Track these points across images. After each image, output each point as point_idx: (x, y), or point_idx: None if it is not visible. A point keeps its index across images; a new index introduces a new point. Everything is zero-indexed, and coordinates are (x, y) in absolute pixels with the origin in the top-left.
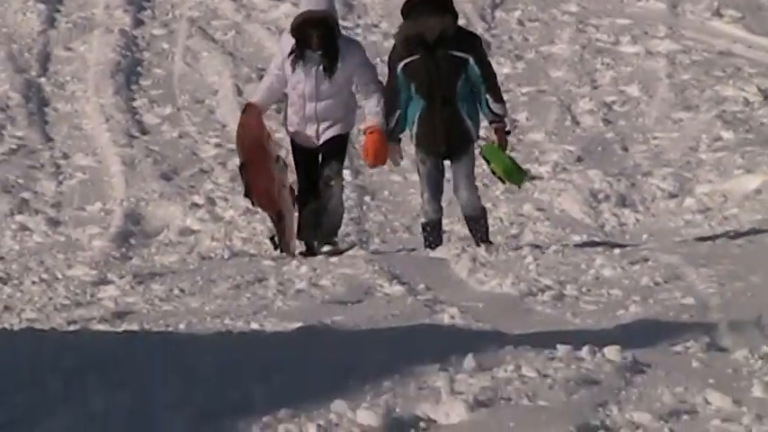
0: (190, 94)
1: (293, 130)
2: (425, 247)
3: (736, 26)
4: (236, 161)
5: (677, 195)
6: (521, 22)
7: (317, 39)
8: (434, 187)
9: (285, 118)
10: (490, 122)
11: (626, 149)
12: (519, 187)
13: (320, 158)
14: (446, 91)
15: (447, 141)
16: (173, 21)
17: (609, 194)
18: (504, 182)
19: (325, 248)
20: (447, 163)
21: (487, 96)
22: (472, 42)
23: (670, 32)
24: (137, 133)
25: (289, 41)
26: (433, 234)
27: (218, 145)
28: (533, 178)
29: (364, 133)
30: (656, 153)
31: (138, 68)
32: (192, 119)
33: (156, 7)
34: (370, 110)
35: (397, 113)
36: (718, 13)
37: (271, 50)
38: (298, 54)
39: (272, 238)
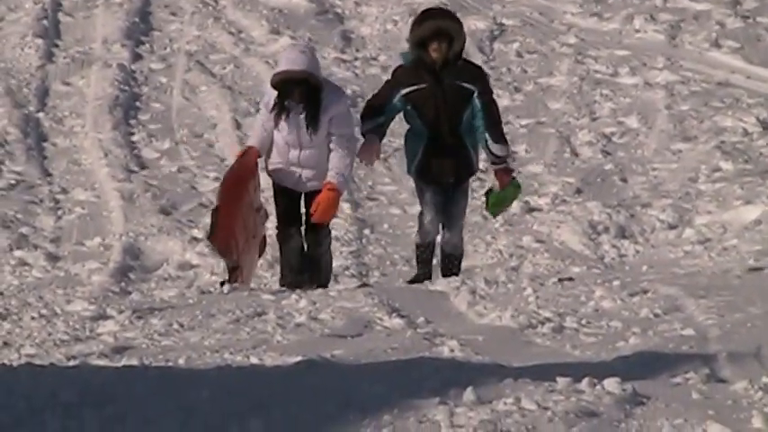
0: (188, 129)
1: (276, 171)
2: (417, 264)
3: (735, 57)
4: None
5: (676, 226)
6: (519, 54)
7: (299, 94)
8: (438, 211)
9: (268, 157)
10: (491, 163)
11: (625, 181)
12: (492, 214)
13: (305, 202)
14: (452, 123)
15: (453, 174)
16: (171, 55)
17: (608, 226)
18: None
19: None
20: None
21: (488, 137)
22: (478, 75)
23: (668, 63)
24: (135, 168)
25: (271, 93)
26: (428, 254)
27: (216, 179)
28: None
29: (322, 187)
30: (655, 184)
31: (137, 103)
32: (190, 153)
33: (154, 41)
34: (337, 168)
35: (381, 119)
36: (716, 44)
37: (269, 84)
38: (280, 107)
39: (221, 283)
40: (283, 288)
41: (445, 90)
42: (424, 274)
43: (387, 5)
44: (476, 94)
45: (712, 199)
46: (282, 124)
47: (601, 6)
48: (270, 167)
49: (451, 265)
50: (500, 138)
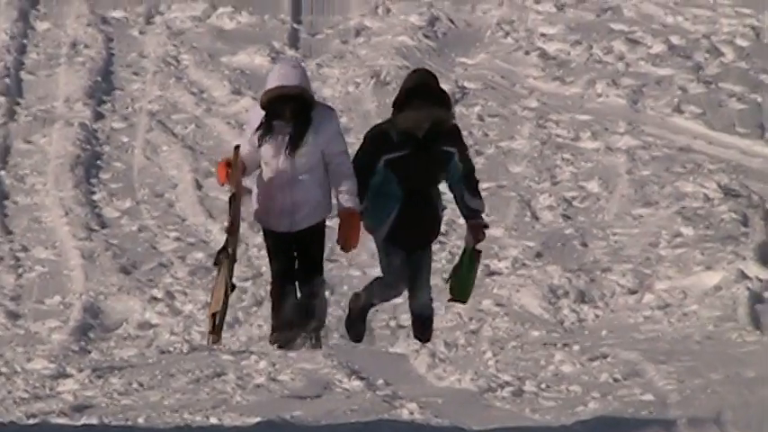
0: (149, 188)
1: (264, 213)
2: (354, 320)
3: (697, 122)
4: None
5: (637, 291)
6: (481, 118)
7: (290, 111)
8: (402, 278)
9: (256, 200)
10: (466, 218)
11: (585, 245)
12: (459, 300)
13: (297, 250)
14: (427, 187)
15: (423, 237)
16: (133, 114)
17: (568, 290)
18: (451, 290)
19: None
20: None
21: (465, 192)
22: (456, 135)
23: (630, 128)
24: (96, 227)
25: (258, 114)
26: (363, 314)
27: (177, 239)
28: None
29: (339, 215)
30: (616, 249)
31: (98, 162)
32: (151, 212)
33: (115, 101)
34: (349, 190)
35: (370, 202)
36: (678, 110)
37: (231, 144)
38: (266, 128)
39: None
40: (243, 350)
41: (429, 156)
42: (361, 328)
43: (348, 68)
44: (456, 156)
45: (673, 264)
46: (269, 150)
47: (563, 71)
48: (258, 214)
49: (426, 326)
50: (477, 193)
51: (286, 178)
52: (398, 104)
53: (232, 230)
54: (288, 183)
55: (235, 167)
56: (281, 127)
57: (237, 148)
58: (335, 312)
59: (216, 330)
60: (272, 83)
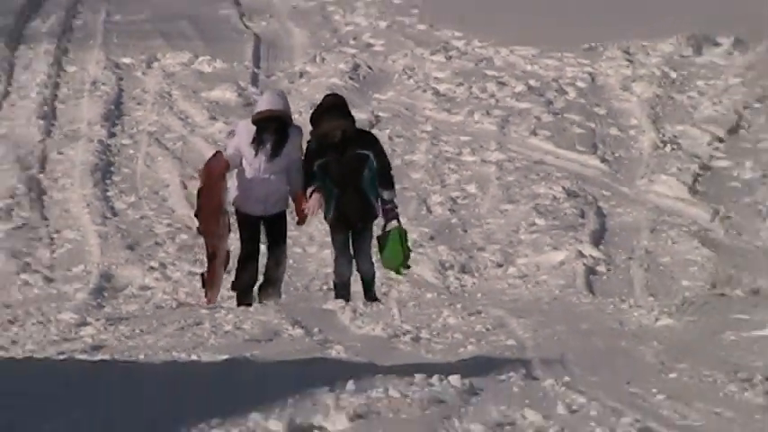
0: (148, 187)
1: (243, 201)
2: (336, 298)
3: (548, 142)
4: (191, 211)
5: (503, 265)
6: (390, 138)
7: (273, 128)
8: (347, 255)
9: (237, 189)
10: (381, 205)
11: (466, 231)
12: (397, 272)
13: (266, 229)
14: (354, 181)
15: (359, 220)
16: (136, 134)
17: (453, 264)
18: (384, 262)
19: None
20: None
21: (379, 185)
22: (371, 141)
23: (499, 146)
24: (109, 215)
25: (246, 128)
26: (344, 290)
27: (168, 224)
28: (400, 273)
29: (292, 198)
30: (488, 234)
31: (111, 168)
32: (149, 205)
33: (124, 124)
34: (298, 184)
35: (313, 187)
36: (534, 133)
37: (208, 155)
38: (256, 140)
39: (201, 275)
40: (215, 306)
41: (346, 159)
42: (343, 298)
43: (294, 101)
44: (372, 156)
45: (529, 246)
46: (255, 154)
47: (450, 104)
48: (238, 201)
49: (368, 289)
50: (388, 185)
51: (262, 176)
52: (313, 119)
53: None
54: (263, 180)
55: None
56: (266, 139)
57: (220, 153)
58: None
59: (211, 293)
60: (262, 106)
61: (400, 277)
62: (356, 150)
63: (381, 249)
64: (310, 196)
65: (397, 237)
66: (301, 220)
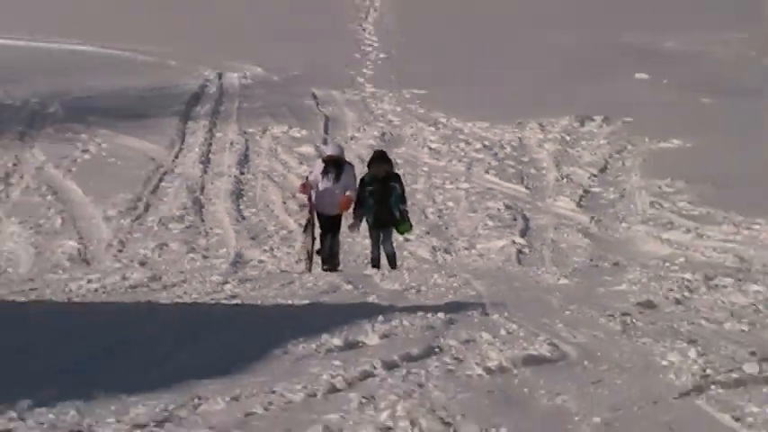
0: (263, 203)
1: (319, 205)
2: (372, 267)
3: (495, 177)
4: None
5: (469, 249)
6: (403, 175)
7: (333, 164)
8: (377, 243)
9: (311, 199)
10: (399, 213)
11: (447, 228)
12: (401, 233)
13: (328, 223)
14: (385, 200)
15: (386, 223)
16: (257, 173)
17: (440, 248)
18: (399, 232)
19: (334, 268)
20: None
21: (399, 203)
22: (398, 178)
23: (466, 180)
24: (240, 219)
25: (319, 165)
26: (376, 263)
27: (274, 225)
28: (403, 232)
29: (344, 200)
30: (460, 230)
31: (241, 192)
32: (264, 214)
33: (249, 168)
34: (349, 193)
35: (362, 209)
36: (487, 172)
37: (299, 181)
38: (324, 171)
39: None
40: (302, 272)
41: (384, 188)
42: (376, 268)
43: (348, 154)
44: (397, 188)
45: (484, 237)
46: (324, 179)
47: (438, 155)
48: (316, 206)
49: (392, 260)
50: (404, 203)
51: (329, 192)
52: (369, 164)
53: (308, 226)
54: (329, 193)
55: (308, 193)
56: (330, 171)
57: (307, 179)
58: (344, 259)
59: (308, 266)
60: (328, 152)
61: (408, 235)
62: (390, 183)
63: (397, 228)
64: (355, 217)
65: (405, 224)
66: (342, 208)
